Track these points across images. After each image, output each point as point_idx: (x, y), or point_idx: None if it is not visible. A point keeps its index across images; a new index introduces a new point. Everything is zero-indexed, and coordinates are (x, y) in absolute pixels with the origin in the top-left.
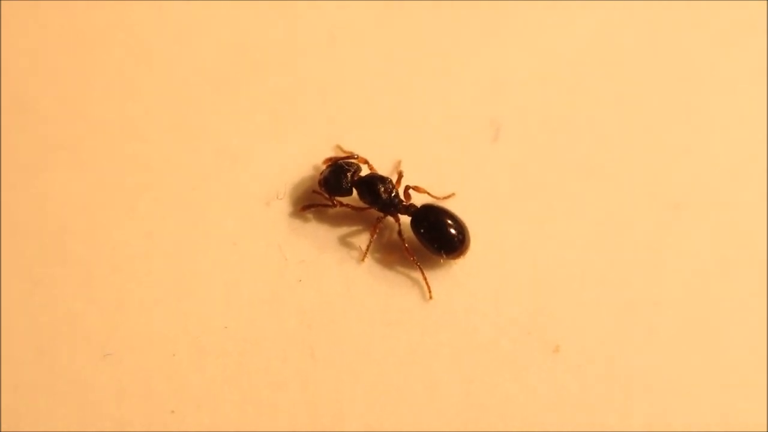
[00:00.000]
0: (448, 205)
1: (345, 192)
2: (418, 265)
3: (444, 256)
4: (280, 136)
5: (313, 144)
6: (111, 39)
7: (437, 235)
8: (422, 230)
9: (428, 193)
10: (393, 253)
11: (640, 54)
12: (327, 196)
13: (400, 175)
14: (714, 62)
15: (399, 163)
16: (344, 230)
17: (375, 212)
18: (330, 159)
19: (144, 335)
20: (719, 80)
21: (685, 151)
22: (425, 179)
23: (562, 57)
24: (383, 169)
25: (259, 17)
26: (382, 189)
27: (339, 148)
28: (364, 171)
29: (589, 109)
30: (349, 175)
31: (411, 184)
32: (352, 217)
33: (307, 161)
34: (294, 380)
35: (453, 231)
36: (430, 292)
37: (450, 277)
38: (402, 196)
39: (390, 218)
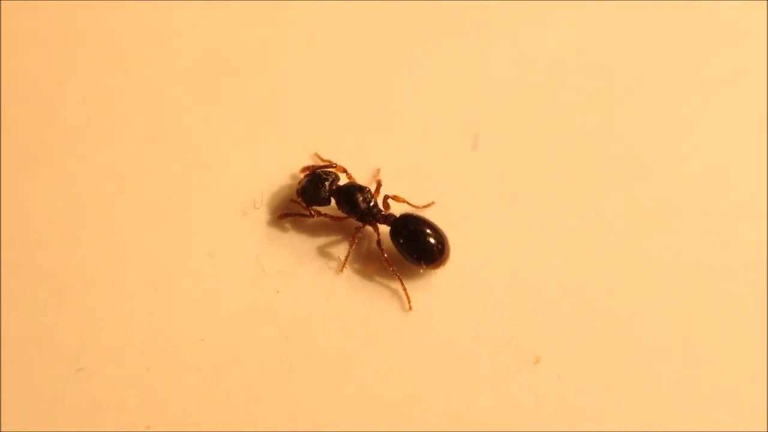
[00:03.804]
0: (428, 215)
1: (323, 201)
2: (398, 276)
3: (423, 266)
4: (257, 143)
5: (290, 151)
6: (82, 42)
7: (416, 245)
8: (401, 240)
9: (407, 203)
10: (372, 264)
11: (617, 61)
12: (305, 205)
13: (379, 184)
14: (694, 68)
15: (378, 171)
16: (322, 240)
17: (353, 222)
18: (308, 167)
19: (118, 349)
20: (698, 87)
21: (663, 159)
22: (404, 188)
23: (539, 64)
24: (361, 178)
25: (235, 21)
26: (361, 198)
27: (317, 156)
28: (343, 180)
29: (568, 116)
30: (327, 184)
31: (390, 194)
32: (331, 226)
33: (284, 169)
34: (272, 394)
35: (432, 241)
36: (409, 302)
37: (429, 287)
38: (381, 206)
39: (369, 228)
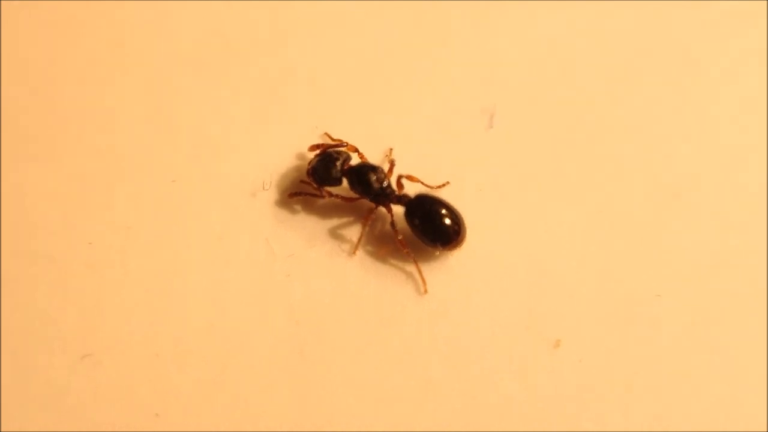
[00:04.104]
0: (442, 195)
1: (335, 182)
2: (413, 258)
3: (439, 247)
4: (265, 123)
5: (299, 132)
6: (82, 25)
7: (432, 226)
8: (416, 221)
9: (422, 183)
10: (385, 246)
11: (638, 38)
12: (316, 186)
13: (392, 164)
14: (716, 48)
15: (390, 151)
16: (334, 222)
17: (366, 203)
18: (317, 146)
19: (124, 335)
20: (720, 67)
21: (685, 139)
22: (418, 168)
23: (557, 41)
24: (373, 158)
25: (238, 1)
26: (374, 178)
27: (327, 136)
28: (354, 160)
29: (586, 94)
30: (338, 164)
31: (404, 173)
32: (342, 207)
33: (293, 150)
34: (283, 380)
35: (448, 222)
36: (425, 285)
37: (445, 269)
38: (395, 186)
39: (382, 209)
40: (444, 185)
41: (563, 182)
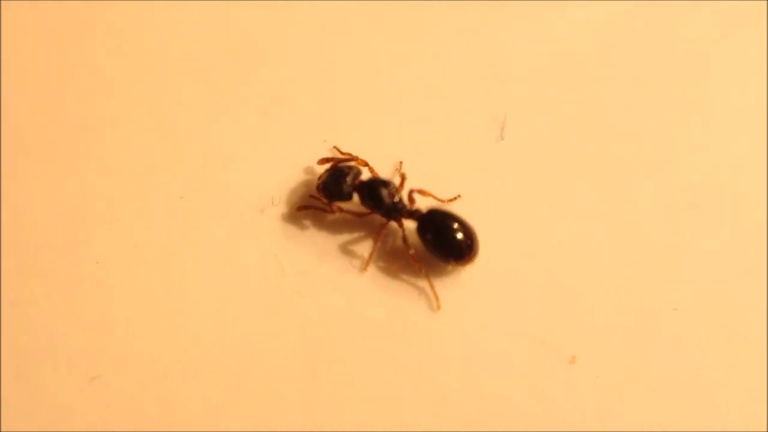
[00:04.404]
0: (454, 209)
1: (345, 197)
2: (425, 273)
3: (452, 262)
4: (272, 137)
5: (307, 145)
6: (87, 36)
7: (445, 241)
8: (429, 236)
9: (433, 197)
10: (397, 261)
11: (651, 47)
12: (326, 201)
13: (403, 178)
14: (729, 51)
15: (400, 164)
16: (344, 237)
17: (377, 218)
18: (326, 160)
19: (133, 356)
20: (734, 74)
21: (699, 148)
22: (428, 181)
23: (566, 49)
24: (383, 172)
25: (245, 11)
26: (386, 193)
27: (337, 149)
28: (365, 174)
29: (599, 103)
30: (349, 178)
31: (415, 187)
32: (353, 223)
33: (301, 164)
34: (295, 400)
35: (461, 236)
36: (437, 301)
37: (458, 285)
38: (406, 200)
39: (393, 224)
40: (455, 199)
41: (576, 194)
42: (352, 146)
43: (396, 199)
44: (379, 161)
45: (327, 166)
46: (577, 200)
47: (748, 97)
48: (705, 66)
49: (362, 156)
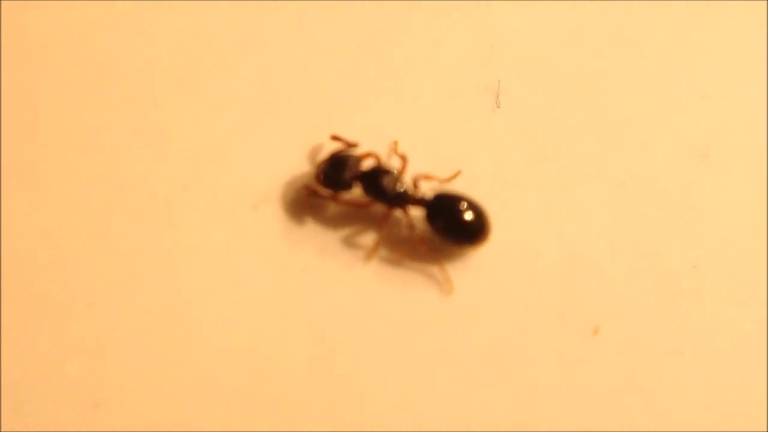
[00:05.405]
0: (457, 185)
1: (346, 186)
2: (435, 257)
3: (466, 245)
4: (259, 128)
5: (297, 134)
6: (56, 40)
7: (458, 225)
8: (441, 221)
9: (439, 179)
10: (401, 250)
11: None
12: (325, 191)
13: (404, 159)
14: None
15: (395, 144)
16: (346, 230)
17: (380, 207)
18: (334, 137)
19: (136, 378)
20: (742, 22)
21: (704, 96)
22: (424, 158)
23: (561, 6)
24: (379, 152)
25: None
26: (390, 181)
27: (336, 137)
28: (365, 162)
29: (596, 60)
30: (350, 167)
31: (420, 173)
32: (354, 213)
33: (293, 154)
34: (315, 405)
35: (473, 217)
36: (450, 284)
37: (469, 265)
38: (411, 186)
39: (396, 212)
40: (456, 175)
41: (582, 157)
42: (344, 129)
43: (401, 187)
44: (374, 143)
45: (327, 153)
46: (583, 165)
47: (757, 42)
48: (716, 12)
49: (352, 136)
